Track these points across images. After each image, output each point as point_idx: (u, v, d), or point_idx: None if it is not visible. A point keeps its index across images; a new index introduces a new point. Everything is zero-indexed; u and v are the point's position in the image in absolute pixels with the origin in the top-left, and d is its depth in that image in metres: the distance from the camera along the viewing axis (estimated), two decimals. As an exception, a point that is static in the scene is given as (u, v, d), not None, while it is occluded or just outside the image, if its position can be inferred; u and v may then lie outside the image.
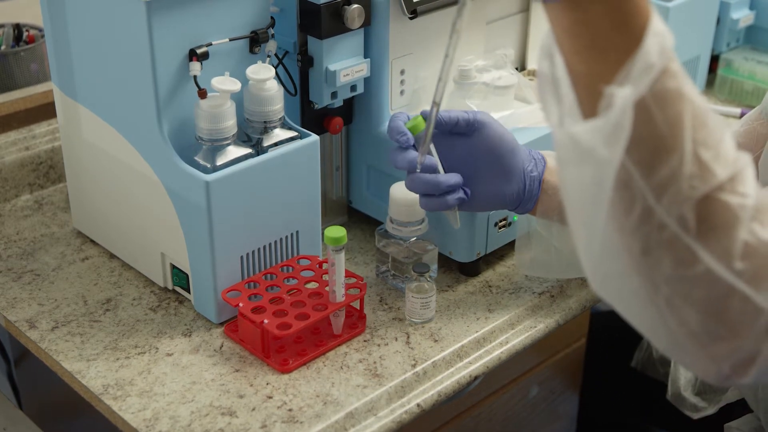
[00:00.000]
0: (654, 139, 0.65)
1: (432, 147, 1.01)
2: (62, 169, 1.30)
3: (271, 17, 1.05)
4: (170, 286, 1.10)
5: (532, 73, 1.30)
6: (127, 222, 1.11)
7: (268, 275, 1.05)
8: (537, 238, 1.09)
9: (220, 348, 1.02)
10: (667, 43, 0.65)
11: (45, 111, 1.33)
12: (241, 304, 0.99)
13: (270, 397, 0.95)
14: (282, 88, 1.03)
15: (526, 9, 1.27)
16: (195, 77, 0.98)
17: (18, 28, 1.40)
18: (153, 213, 1.05)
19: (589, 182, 0.68)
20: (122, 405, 0.94)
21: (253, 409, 0.93)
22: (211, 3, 0.99)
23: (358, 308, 1.05)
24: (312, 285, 1.04)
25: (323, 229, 1.02)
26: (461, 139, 1.01)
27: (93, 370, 0.98)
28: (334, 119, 1.14)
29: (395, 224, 1.08)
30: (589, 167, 0.67)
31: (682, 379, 1.18)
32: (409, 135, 0.99)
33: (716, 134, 0.67)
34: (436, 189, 1.00)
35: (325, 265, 1.06)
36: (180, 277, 1.07)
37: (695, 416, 1.17)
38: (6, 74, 1.36)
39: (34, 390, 1.23)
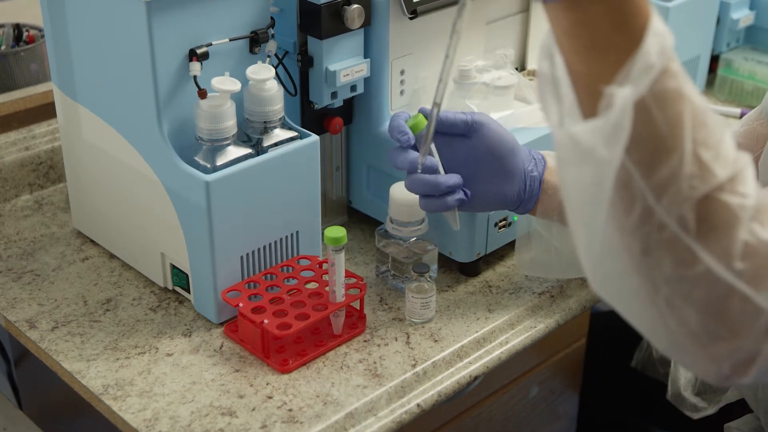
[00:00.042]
0: (654, 139, 0.65)
1: (433, 147, 1.01)
2: (62, 169, 1.30)
3: (271, 17, 1.05)
4: (170, 286, 1.10)
5: (532, 73, 1.30)
6: (127, 222, 1.11)
7: (268, 275, 1.05)
8: (537, 238, 1.09)
9: (220, 348, 1.02)
10: (667, 43, 0.65)
11: (45, 111, 1.33)
12: (241, 304, 0.99)
13: (270, 397, 0.95)
14: (282, 88, 1.03)
15: (526, 9, 1.27)
16: (195, 77, 0.98)
17: (18, 28, 1.40)
18: (153, 213, 1.05)
19: (589, 182, 0.68)
20: (122, 405, 0.94)
21: (253, 409, 0.93)
22: (211, 3, 0.99)
23: (358, 308, 1.05)
24: (312, 285, 1.04)
25: (323, 229, 1.02)
26: (461, 140, 1.01)
27: (93, 370, 0.98)
28: (334, 119, 1.14)
29: (395, 224, 1.08)
30: (589, 167, 0.67)
31: (682, 379, 1.18)
32: (411, 134, 0.99)
33: (716, 134, 0.67)
34: (435, 190, 1.00)
35: (325, 265, 1.06)
36: (180, 277, 1.07)
37: (695, 416, 1.17)
38: (6, 74, 1.36)
39: (34, 390, 1.23)
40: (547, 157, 1.05)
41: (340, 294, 1.00)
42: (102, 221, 1.16)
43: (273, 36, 1.05)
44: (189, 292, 1.07)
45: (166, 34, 0.96)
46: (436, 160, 1.01)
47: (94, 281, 1.12)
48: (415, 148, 1.01)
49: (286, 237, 1.06)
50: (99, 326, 1.05)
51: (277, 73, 1.03)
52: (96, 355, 1.00)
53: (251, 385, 0.96)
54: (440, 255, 1.12)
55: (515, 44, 1.29)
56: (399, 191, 1.06)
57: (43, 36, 1.28)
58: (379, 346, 1.02)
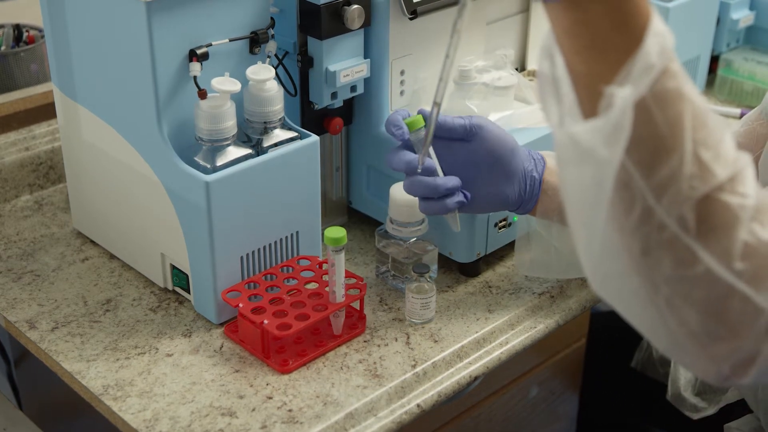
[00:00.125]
0: (654, 140, 0.65)
1: (431, 150, 1.00)
2: (62, 170, 1.30)
3: (271, 18, 1.05)
4: (170, 287, 1.10)
5: (532, 74, 1.30)
6: (127, 222, 1.11)
7: (268, 276, 1.05)
8: (537, 238, 1.09)
9: (220, 348, 1.02)
10: (667, 44, 0.65)
11: (45, 111, 1.33)
12: (241, 305, 0.99)
13: (270, 398, 0.95)
14: (282, 89, 1.03)
15: (526, 9, 1.27)
16: (195, 78, 0.98)
17: (18, 28, 1.40)
18: (153, 213, 1.06)
19: (589, 182, 0.68)
20: (122, 405, 0.93)
21: (253, 410, 0.93)
22: (211, 3, 0.99)
23: (358, 309, 1.05)
24: (312, 285, 1.04)
25: (323, 230, 1.02)
26: (460, 143, 1.01)
27: (93, 371, 0.98)
28: (334, 120, 1.14)
29: (395, 225, 1.08)
30: (589, 167, 0.67)
31: (682, 379, 1.18)
32: (405, 129, 0.99)
33: (716, 134, 0.67)
34: (434, 192, 1.00)
35: (325, 266, 1.06)
36: (180, 277, 1.07)
37: (695, 417, 1.17)
38: (6, 75, 1.36)
39: (34, 390, 1.23)
40: (546, 157, 1.05)
41: (340, 294, 1.00)
42: (102, 221, 1.16)
43: (273, 36, 1.05)
44: (189, 293, 1.07)
45: (166, 34, 0.96)
46: (434, 162, 1.01)
47: (94, 281, 1.12)
48: (411, 149, 1.01)
49: (286, 237, 1.06)
50: (99, 326, 1.05)
51: (277, 73, 1.03)
52: (96, 356, 1.00)
53: (251, 386, 0.96)
54: (440, 255, 1.12)
55: (515, 44, 1.29)
56: (399, 192, 1.06)
57: (43, 36, 1.28)
58: (379, 346, 1.02)
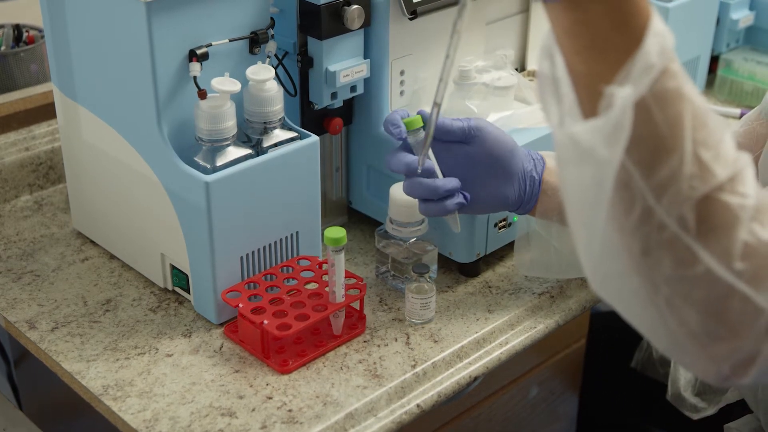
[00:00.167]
0: (654, 139, 0.65)
1: (430, 151, 1.00)
2: (62, 170, 1.30)
3: (271, 18, 1.05)
4: (170, 287, 1.10)
5: (532, 74, 1.30)
6: (127, 223, 1.11)
7: (268, 276, 1.05)
8: (536, 238, 1.09)
9: (220, 349, 1.02)
10: (667, 44, 0.65)
11: (45, 112, 1.33)
12: (240, 305, 0.99)
13: (270, 398, 0.95)
14: (282, 89, 1.03)
15: (526, 10, 1.27)
16: (195, 78, 0.98)
17: (18, 28, 1.40)
18: (153, 214, 1.05)
19: (589, 182, 0.68)
20: (122, 406, 0.93)
21: (253, 410, 0.93)
22: (211, 3, 0.99)
23: (358, 309, 1.05)
24: (312, 285, 1.04)
25: (323, 230, 1.02)
26: (460, 144, 1.01)
27: (93, 371, 0.98)
28: (334, 120, 1.14)
29: (395, 225, 1.08)
30: (589, 167, 0.67)
31: (682, 379, 1.18)
32: (403, 128, 0.99)
33: (716, 134, 0.67)
34: (434, 194, 0.99)
35: (324, 266, 1.06)
36: (180, 277, 1.07)
37: (695, 417, 1.17)
38: (6, 75, 1.36)
39: (34, 391, 1.23)
40: (546, 157, 1.05)
41: (339, 294, 1.00)
42: (102, 222, 1.16)
43: (273, 36, 1.05)
44: (189, 293, 1.07)
45: (166, 34, 0.96)
46: (433, 164, 1.01)
47: (93, 282, 1.12)
48: (410, 151, 1.01)
49: (286, 237, 1.06)
50: (99, 327, 1.05)
51: (276, 73, 1.03)
52: (96, 356, 1.00)
53: (251, 386, 0.96)
54: (440, 255, 1.12)
55: (515, 45, 1.29)
56: (399, 192, 1.06)
57: (43, 36, 1.28)
58: (378, 346, 1.02)
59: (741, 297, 0.67)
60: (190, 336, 1.03)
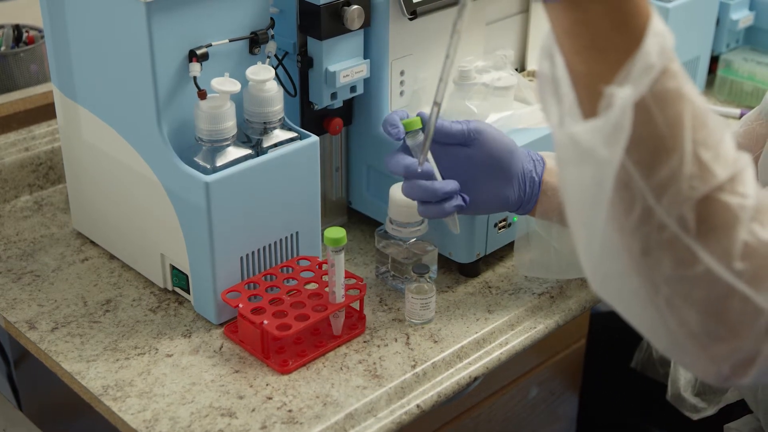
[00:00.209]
0: (654, 140, 0.65)
1: (429, 153, 1.00)
2: (62, 170, 1.30)
3: (271, 18, 1.05)
4: (170, 287, 1.10)
5: (532, 74, 1.30)
6: (127, 223, 1.11)
7: (268, 276, 1.05)
8: (536, 238, 1.09)
9: (220, 349, 1.01)
10: (667, 44, 0.65)
11: (45, 112, 1.33)
12: (240, 305, 0.99)
13: (270, 398, 0.95)
14: (282, 89, 1.03)
15: (525, 10, 1.27)
16: (195, 78, 0.98)
17: (18, 29, 1.40)
18: (153, 214, 1.05)
19: (589, 182, 0.68)
20: (122, 406, 0.93)
21: (253, 410, 0.93)
22: (211, 4, 0.99)
23: (358, 309, 1.05)
24: (312, 286, 1.04)
25: (323, 230, 1.02)
26: (459, 146, 1.01)
27: (93, 371, 0.98)
28: (334, 120, 1.14)
29: (395, 225, 1.08)
30: (589, 167, 0.67)
31: (682, 379, 1.18)
32: (401, 128, 0.99)
33: (716, 134, 0.67)
34: (433, 196, 0.99)
35: (324, 266, 1.06)
36: (180, 278, 1.07)
37: (695, 417, 1.17)
38: (6, 75, 1.36)
39: (34, 391, 1.23)
40: (546, 158, 1.05)
41: (339, 295, 1.00)
42: (102, 222, 1.16)
43: (273, 37, 1.05)
44: (189, 293, 1.07)
45: (166, 34, 0.96)
46: (432, 166, 1.00)
47: (93, 282, 1.12)
48: (409, 152, 1.01)
49: (286, 238, 1.06)
50: (99, 327, 1.05)
51: (276, 73, 1.03)
52: (96, 356, 1.00)
53: (251, 386, 0.96)
54: (440, 256, 1.12)
55: (515, 45, 1.29)
56: (399, 192, 1.06)
57: (42, 37, 1.28)
58: (378, 346, 1.02)
59: (741, 297, 0.67)
60: (190, 336, 1.03)
